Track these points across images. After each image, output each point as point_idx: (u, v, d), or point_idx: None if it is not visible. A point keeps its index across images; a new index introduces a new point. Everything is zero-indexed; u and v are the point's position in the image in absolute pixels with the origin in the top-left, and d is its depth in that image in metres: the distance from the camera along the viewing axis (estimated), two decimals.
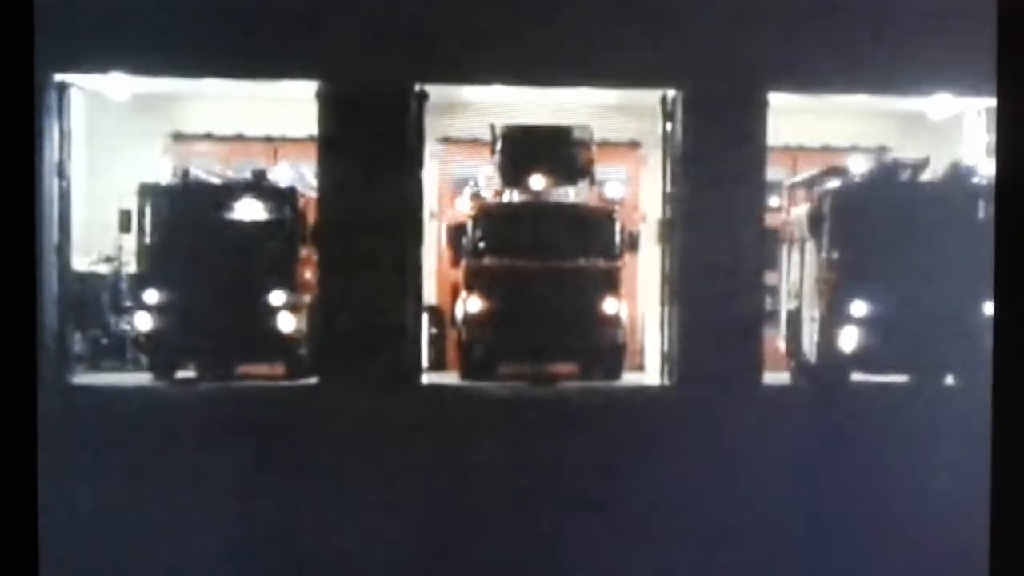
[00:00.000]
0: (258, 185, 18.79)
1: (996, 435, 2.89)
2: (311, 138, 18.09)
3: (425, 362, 18.82)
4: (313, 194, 18.94)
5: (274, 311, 18.16)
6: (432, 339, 19.80)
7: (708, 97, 17.49)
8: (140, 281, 18.32)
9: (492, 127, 19.26)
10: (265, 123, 20.13)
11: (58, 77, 17.43)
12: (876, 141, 21.22)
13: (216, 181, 19.17)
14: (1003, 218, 3.02)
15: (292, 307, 18.27)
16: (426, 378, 18.26)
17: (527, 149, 19.09)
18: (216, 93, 19.25)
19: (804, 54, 17.09)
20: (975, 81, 14.91)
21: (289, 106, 18.50)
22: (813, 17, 16.85)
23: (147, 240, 18.31)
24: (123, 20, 16.18)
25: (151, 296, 17.94)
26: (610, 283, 18.76)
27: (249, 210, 18.66)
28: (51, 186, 17.18)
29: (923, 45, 16.57)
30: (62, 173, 17.57)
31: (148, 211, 18.31)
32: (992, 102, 3.61)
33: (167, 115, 19.98)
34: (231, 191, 18.80)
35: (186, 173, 18.71)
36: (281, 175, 19.26)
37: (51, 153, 17.23)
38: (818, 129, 20.88)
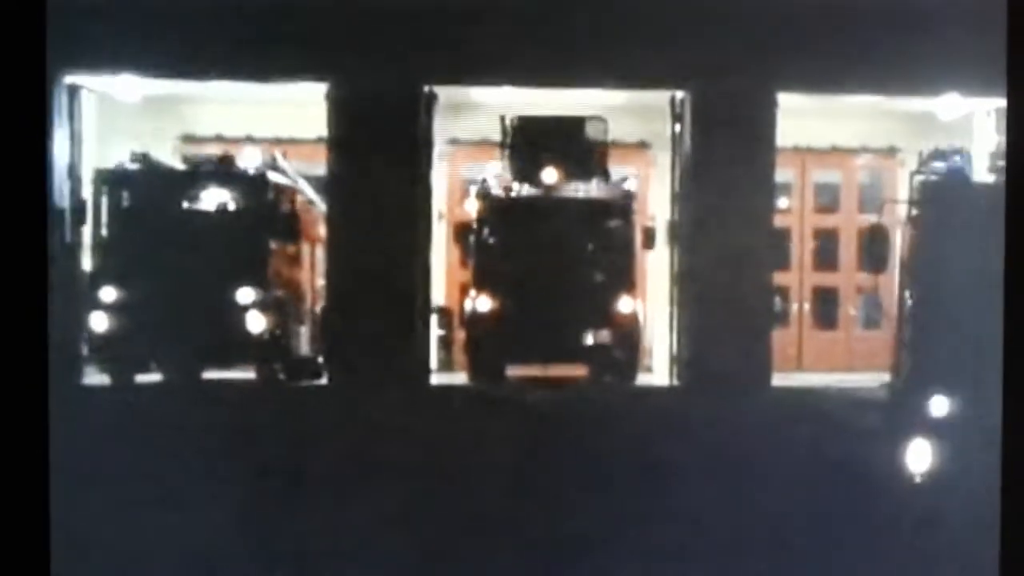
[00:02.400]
0: (224, 171, 17.36)
1: (1007, 437, 2.89)
2: (320, 140, 18.11)
3: (434, 363, 18.80)
4: (290, 182, 18.08)
5: (242, 310, 16.60)
6: (441, 340, 19.73)
7: (717, 98, 17.47)
8: (95, 277, 16.71)
9: (502, 118, 18.68)
10: (275, 125, 20.11)
11: (69, 79, 17.47)
12: (885, 142, 21.19)
13: (179, 167, 17.82)
14: (1013, 218, 3.02)
15: (263, 305, 16.78)
16: (435, 379, 18.25)
17: (539, 141, 18.38)
18: (226, 95, 19.26)
19: (813, 55, 17.07)
20: (985, 81, 14.87)
21: (299, 108, 18.52)
22: (821, 17, 16.82)
23: (104, 232, 16.93)
24: (133, 22, 16.21)
25: (107, 294, 16.34)
26: (626, 281, 18.05)
27: (215, 198, 17.21)
28: (62, 187, 17.20)
29: (932, 45, 16.54)
30: (73, 175, 17.56)
31: (105, 200, 17.01)
32: (1002, 102, 3.61)
33: (177, 117, 19.99)
34: (195, 178, 17.35)
35: (146, 158, 17.43)
36: (252, 161, 17.84)
37: (62, 155, 17.28)
38: (827, 130, 20.83)
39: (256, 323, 16.66)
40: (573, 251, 17.91)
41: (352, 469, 10.28)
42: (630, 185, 19.15)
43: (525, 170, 18.36)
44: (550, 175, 18.18)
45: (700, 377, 17.45)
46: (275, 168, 18.10)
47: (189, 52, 16.59)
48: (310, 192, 19.35)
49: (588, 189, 18.50)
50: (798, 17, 16.88)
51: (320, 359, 18.88)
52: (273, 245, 17.28)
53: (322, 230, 19.32)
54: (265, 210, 17.26)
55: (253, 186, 17.34)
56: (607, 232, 18.19)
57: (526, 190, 18.46)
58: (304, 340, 18.50)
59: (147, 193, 16.97)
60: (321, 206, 19.56)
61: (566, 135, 18.53)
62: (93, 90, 18.33)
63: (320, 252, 19.44)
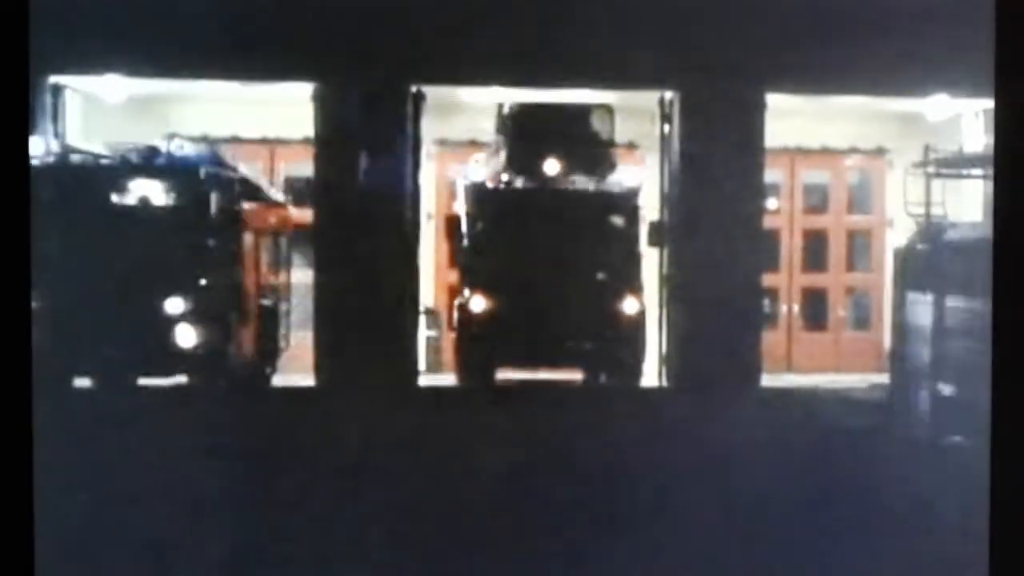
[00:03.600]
0: (152, 164, 15.57)
1: (995, 440, 2.88)
2: (307, 140, 18.06)
3: (423, 365, 18.75)
4: (234, 177, 16.44)
5: (170, 322, 14.68)
6: (429, 342, 19.68)
7: (706, 98, 17.47)
8: None
9: (500, 106, 17.79)
10: (262, 125, 20.07)
11: (53, 79, 17.41)
12: (874, 142, 21.24)
13: (104, 158, 15.99)
14: (1001, 219, 3.02)
15: (195, 315, 14.86)
16: (424, 380, 18.22)
17: (540, 131, 17.28)
18: (212, 95, 19.22)
19: (802, 55, 17.08)
20: (973, 82, 14.90)
21: (286, 108, 18.48)
22: (810, 18, 16.83)
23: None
24: (118, 22, 16.15)
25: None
26: (631, 281, 16.92)
27: (140, 194, 15.40)
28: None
29: (921, 46, 16.57)
30: (56, 176, 17.37)
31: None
32: (990, 103, 3.60)
33: (163, 117, 19.91)
34: (118, 171, 15.48)
35: (65, 148, 16.12)
36: (184, 152, 16.07)
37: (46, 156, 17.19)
38: (816, 130, 20.86)
39: (186, 337, 14.81)
40: (573, 248, 16.70)
41: (334, 471, 10.24)
42: (634, 175, 18.01)
43: (524, 162, 17.25)
44: (552, 167, 17.05)
45: (689, 379, 17.43)
46: (214, 161, 16.35)
47: (175, 52, 16.53)
48: (263, 188, 18.36)
49: (589, 181, 17.35)
50: (787, 18, 16.89)
51: (268, 369, 18.00)
52: (211, 246, 15.38)
53: (276, 227, 18.56)
54: (200, 207, 15.32)
55: (186, 180, 15.43)
56: (611, 228, 17.04)
57: (524, 183, 17.29)
58: (249, 345, 16.73)
59: (65, 187, 15.18)
60: (278, 201, 18.89)
61: (569, 125, 17.50)
62: (77, 90, 18.26)
63: (271, 250, 18.44)
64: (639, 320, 16.89)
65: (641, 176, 18.38)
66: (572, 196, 17.08)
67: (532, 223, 16.86)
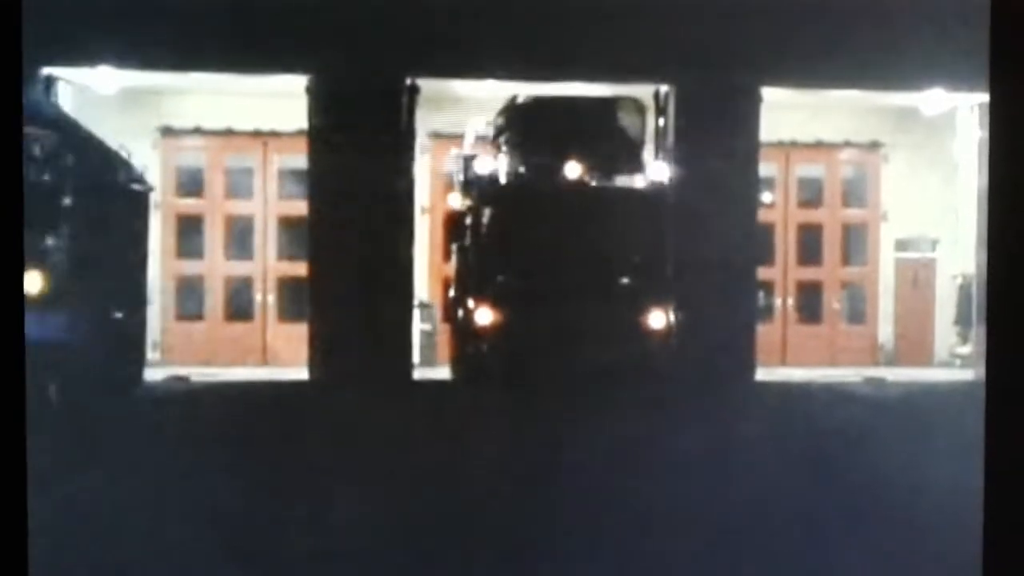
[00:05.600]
0: None
1: (989, 436, 2.89)
2: (301, 132, 18.03)
3: (416, 359, 18.72)
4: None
5: None
6: (424, 335, 19.65)
7: (701, 92, 17.46)
8: None
9: (513, 98, 16.50)
10: (256, 118, 20.03)
11: (45, 71, 17.37)
12: (869, 136, 21.25)
13: None
14: (995, 215, 3.02)
15: None
16: (417, 373, 18.20)
17: (560, 123, 15.86)
18: (205, 87, 19.18)
19: (797, 50, 17.08)
20: (968, 76, 14.91)
21: (280, 101, 18.45)
22: (806, 13, 16.83)
23: None
24: (111, 13, 16.11)
25: None
26: (661, 292, 15.37)
27: None
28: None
29: (916, 40, 16.57)
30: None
31: None
32: (985, 97, 3.61)
33: (156, 109, 19.90)
34: None
35: None
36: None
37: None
38: (811, 124, 20.85)
39: None
40: (596, 254, 15.13)
41: (329, 465, 10.25)
42: (660, 170, 16.46)
43: (541, 158, 15.72)
44: (573, 168, 15.40)
45: (684, 372, 17.40)
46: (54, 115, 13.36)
47: (168, 44, 16.49)
48: (119, 163, 15.72)
49: (614, 179, 15.95)
50: (783, 12, 16.88)
51: (120, 372, 15.01)
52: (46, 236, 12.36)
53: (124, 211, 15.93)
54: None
55: None
56: (639, 229, 15.57)
57: (539, 179, 15.69)
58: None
59: None
60: (137, 181, 16.55)
61: (592, 122, 16.02)
62: (71, 82, 18.22)
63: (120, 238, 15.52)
64: (667, 334, 15.31)
65: (666, 172, 16.85)
66: (595, 194, 15.60)
67: (550, 223, 15.23)
